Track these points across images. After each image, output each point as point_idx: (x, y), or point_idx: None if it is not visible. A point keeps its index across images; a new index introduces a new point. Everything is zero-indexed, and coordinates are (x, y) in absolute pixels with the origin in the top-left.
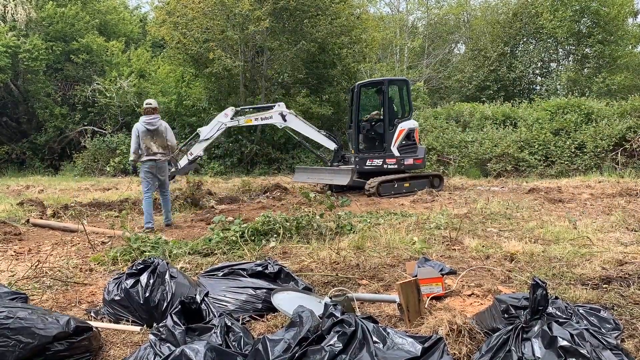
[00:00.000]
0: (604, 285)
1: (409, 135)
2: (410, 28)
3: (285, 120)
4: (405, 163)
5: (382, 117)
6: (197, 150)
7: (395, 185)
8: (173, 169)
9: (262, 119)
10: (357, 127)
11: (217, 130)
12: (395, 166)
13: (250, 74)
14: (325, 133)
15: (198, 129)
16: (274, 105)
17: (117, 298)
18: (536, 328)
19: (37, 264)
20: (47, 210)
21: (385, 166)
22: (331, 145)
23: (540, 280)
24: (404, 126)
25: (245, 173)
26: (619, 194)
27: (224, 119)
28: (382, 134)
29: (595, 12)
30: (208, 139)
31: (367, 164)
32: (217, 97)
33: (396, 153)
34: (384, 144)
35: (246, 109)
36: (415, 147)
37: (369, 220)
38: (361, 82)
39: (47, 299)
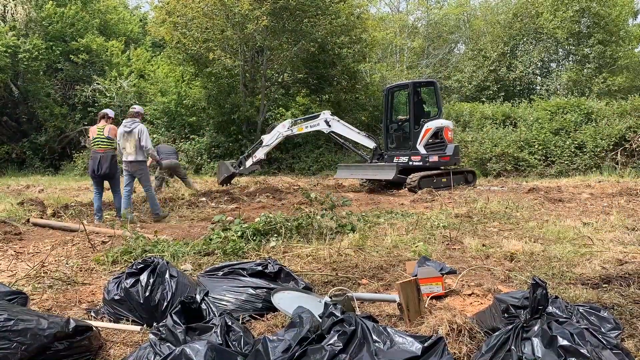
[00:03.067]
0: (604, 285)
1: (437, 133)
2: (410, 28)
3: (329, 126)
4: (430, 160)
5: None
6: (260, 154)
7: (434, 180)
8: (240, 169)
9: (311, 126)
10: (386, 127)
11: (276, 139)
12: (420, 163)
13: (250, 74)
14: (364, 133)
15: (262, 136)
16: (320, 114)
17: (117, 298)
18: (536, 327)
19: (38, 264)
20: (47, 209)
21: (410, 163)
22: (370, 144)
23: (540, 279)
24: (431, 125)
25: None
26: (619, 194)
27: (282, 129)
28: (409, 133)
29: (596, 13)
30: (269, 145)
31: (393, 160)
32: (216, 96)
33: (422, 151)
34: (409, 142)
35: (298, 120)
36: (444, 145)
37: (369, 220)
38: (389, 85)
39: (47, 299)
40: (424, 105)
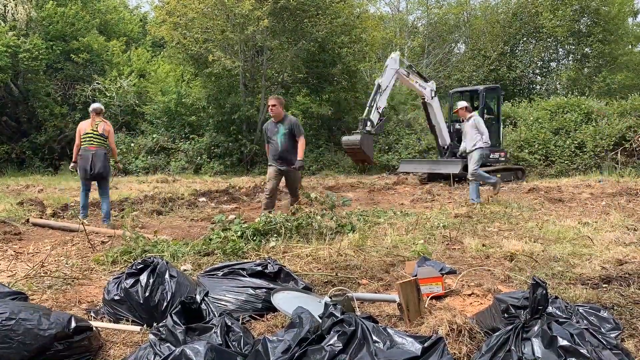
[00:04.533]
0: (604, 285)
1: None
2: (410, 27)
3: (432, 98)
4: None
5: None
6: (382, 102)
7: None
8: (375, 128)
9: (419, 85)
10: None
11: (392, 78)
12: (504, 159)
13: (250, 74)
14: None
15: (377, 81)
16: (430, 81)
17: (116, 298)
18: (536, 328)
19: (37, 264)
20: (47, 209)
21: (499, 158)
22: (448, 140)
23: (540, 279)
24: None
25: (245, 173)
26: (619, 194)
27: (394, 65)
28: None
29: (595, 12)
30: (388, 87)
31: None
32: (216, 96)
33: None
34: (494, 140)
35: (405, 63)
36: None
37: (369, 220)
38: (458, 89)
39: (47, 299)
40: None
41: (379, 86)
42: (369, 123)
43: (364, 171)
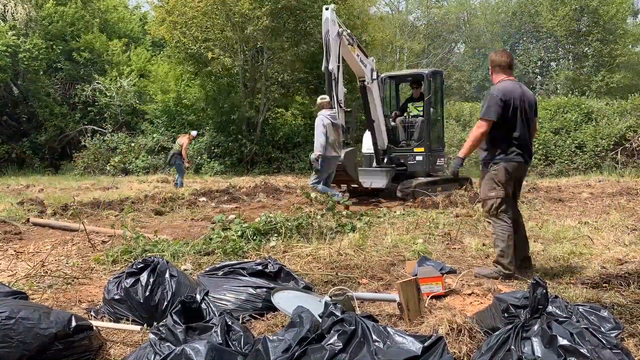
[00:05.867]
0: (604, 284)
1: None
2: (410, 28)
3: (372, 80)
4: None
5: None
6: (340, 91)
7: (429, 189)
8: (345, 138)
9: (360, 60)
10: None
11: (338, 45)
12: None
13: (250, 74)
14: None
15: (325, 66)
16: (371, 58)
17: (117, 297)
18: (536, 327)
19: (38, 263)
20: (47, 209)
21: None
22: (386, 140)
23: (540, 279)
24: None
25: (245, 173)
26: (619, 193)
27: (335, 27)
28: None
29: (594, 11)
30: (338, 67)
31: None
32: (216, 96)
33: None
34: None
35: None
36: None
37: (369, 220)
38: (386, 74)
39: (47, 298)
40: None
41: (330, 73)
42: (348, 131)
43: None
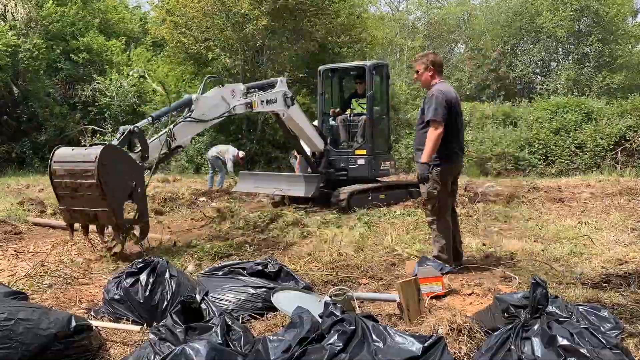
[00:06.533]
0: (604, 284)
1: None
2: (410, 27)
3: (288, 106)
4: None
5: None
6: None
7: (370, 197)
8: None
9: (267, 102)
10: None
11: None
12: None
13: (250, 73)
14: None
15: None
16: (277, 81)
17: (116, 297)
18: (536, 327)
19: (38, 263)
20: (48, 209)
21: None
22: (320, 144)
23: (540, 279)
24: None
25: None
26: (619, 193)
27: (231, 101)
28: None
29: (595, 12)
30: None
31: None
32: None
33: None
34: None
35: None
36: None
37: (370, 220)
38: (324, 66)
39: (47, 298)
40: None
41: (190, 103)
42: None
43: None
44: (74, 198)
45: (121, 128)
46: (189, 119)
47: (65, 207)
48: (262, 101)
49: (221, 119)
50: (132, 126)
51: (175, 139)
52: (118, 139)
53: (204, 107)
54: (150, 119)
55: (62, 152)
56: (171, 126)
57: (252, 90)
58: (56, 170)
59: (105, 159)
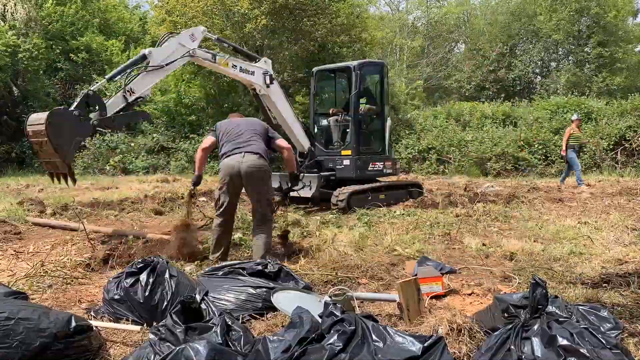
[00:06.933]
0: (604, 285)
1: None
2: (410, 27)
3: (268, 85)
4: None
5: None
6: (144, 85)
7: (369, 198)
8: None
9: (241, 69)
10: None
11: (182, 59)
12: None
13: None
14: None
15: (145, 51)
16: (259, 59)
17: (116, 297)
18: (536, 327)
19: (37, 263)
20: (47, 209)
21: None
22: (306, 143)
23: (540, 279)
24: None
25: None
26: (619, 193)
27: (189, 44)
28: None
29: (595, 13)
30: (163, 68)
31: None
32: (216, 95)
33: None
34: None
35: (213, 37)
36: None
37: (370, 220)
38: (318, 67)
39: (47, 298)
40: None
41: (145, 57)
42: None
43: None
44: (42, 152)
45: (80, 93)
46: (144, 70)
47: (40, 159)
48: (236, 66)
49: (182, 63)
50: (88, 89)
51: (133, 92)
52: (76, 102)
53: (161, 56)
54: (105, 79)
55: (32, 117)
56: (126, 81)
57: (227, 46)
58: (28, 132)
59: (52, 120)
